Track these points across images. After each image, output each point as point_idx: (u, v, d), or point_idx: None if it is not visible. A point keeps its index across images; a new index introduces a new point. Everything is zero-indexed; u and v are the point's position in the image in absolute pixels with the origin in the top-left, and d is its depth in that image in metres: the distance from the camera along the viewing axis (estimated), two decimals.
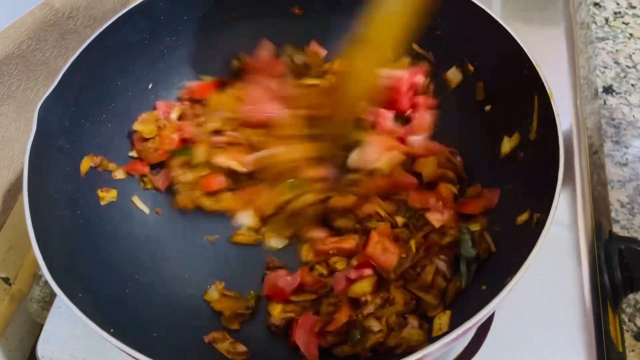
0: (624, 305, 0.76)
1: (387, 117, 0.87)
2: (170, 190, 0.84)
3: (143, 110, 0.87)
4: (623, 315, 0.76)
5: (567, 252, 0.77)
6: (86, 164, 0.77)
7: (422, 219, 0.77)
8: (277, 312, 0.72)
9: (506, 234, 0.69)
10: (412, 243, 0.73)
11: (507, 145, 0.75)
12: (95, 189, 0.78)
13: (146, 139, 0.84)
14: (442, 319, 0.65)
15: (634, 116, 0.94)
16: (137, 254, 0.77)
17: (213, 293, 0.76)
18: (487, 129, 0.80)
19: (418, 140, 0.85)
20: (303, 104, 0.79)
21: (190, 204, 0.81)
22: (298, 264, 0.78)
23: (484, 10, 0.75)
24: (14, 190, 0.89)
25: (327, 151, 0.78)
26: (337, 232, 0.79)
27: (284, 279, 0.74)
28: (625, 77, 0.99)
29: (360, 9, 0.88)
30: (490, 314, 0.54)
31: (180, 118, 0.88)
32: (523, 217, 0.65)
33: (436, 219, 0.75)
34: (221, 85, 0.90)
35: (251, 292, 0.76)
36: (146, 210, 0.83)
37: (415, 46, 0.88)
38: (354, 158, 0.80)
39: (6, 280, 0.88)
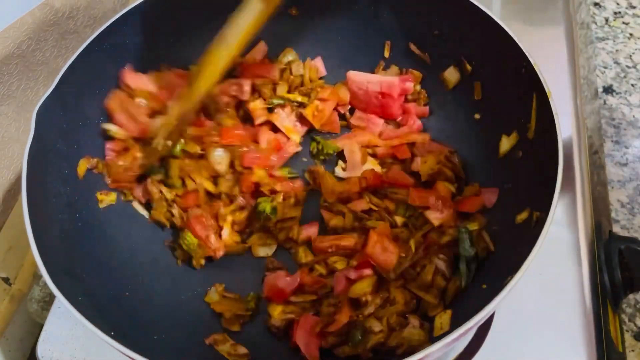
0: (624, 305, 0.76)
1: (377, 124, 0.88)
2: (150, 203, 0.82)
3: None
4: (623, 315, 0.76)
5: (567, 252, 0.77)
6: (83, 166, 0.76)
7: (422, 218, 0.77)
8: (277, 313, 0.72)
9: (506, 233, 0.69)
10: (412, 242, 0.73)
11: (506, 144, 0.75)
12: (94, 192, 0.78)
13: (118, 152, 0.79)
14: (443, 319, 0.65)
15: (634, 116, 0.94)
16: (137, 256, 0.77)
17: (213, 295, 0.76)
18: (486, 128, 0.80)
19: (418, 139, 0.85)
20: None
21: (164, 220, 0.80)
22: (297, 264, 0.78)
23: (480, 9, 0.75)
24: (14, 190, 0.89)
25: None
26: (334, 232, 0.79)
27: (284, 280, 0.74)
28: (625, 77, 0.99)
29: (356, 10, 0.89)
30: (490, 313, 0.54)
31: None
32: (522, 216, 0.65)
33: (435, 217, 0.75)
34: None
35: (251, 293, 0.76)
36: (147, 215, 0.83)
37: (412, 46, 0.88)
38: (339, 171, 0.87)
39: (6, 280, 0.88)
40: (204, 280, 0.78)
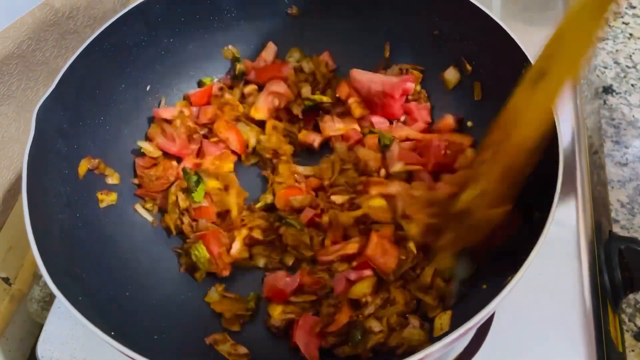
0: (624, 305, 0.76)
1: (380, 124, 0.88)
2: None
3: (141, 112, 0.87)
4: (623, 315, 0.76)
5: (567, 252, 0.77)
6: (84, 166, 0.76)
7: None
8: (277, 313, 0.72)
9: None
10: (412, 245, 0.73)
11: None
12: (94, 192, 0.78)
13: (148, 167, 0.83)
14: (443, 319, 0.65)
15: (634, 116, 0.94)
16: (137, 256, 0.77)
17: (213, 294, 0.76)
18: (485, 128, 0.80)
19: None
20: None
21: (172, 226, 0.80)
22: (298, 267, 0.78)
23: (480, 9, 0.75)
24: (14, 190, 0.89)
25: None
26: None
27: (284, 280, 0.74)
28: (625, 77, 0.99)
29: (356, 10, 0.89)
30: (490, 314, 0.54)
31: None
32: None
33: None
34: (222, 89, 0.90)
35: (251, 293, 0.76)
36: (149, 217, 0.83)
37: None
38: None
39: (6, 280, 0.88)
40: (204, 280, 0.78)
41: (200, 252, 0.76)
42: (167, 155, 0.85)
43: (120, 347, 0.54)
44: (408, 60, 0.90)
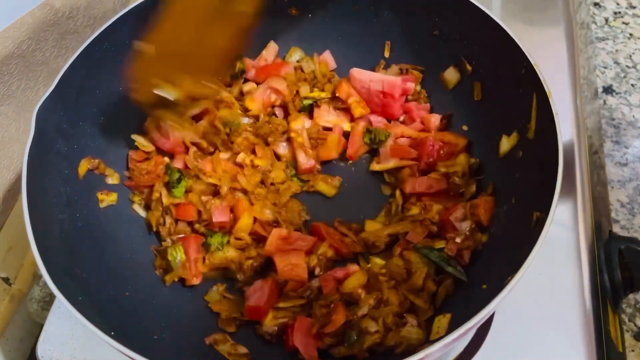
0: (624, 305, 0.76)
1: (378, 123, 0.88)
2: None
3: (141, 112, 0.86)
4: (623, 315, 0.76)
5: (567, 252, 0.77)
6: (84, 166, 0.76)
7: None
8: (268, 319, 0.71)
9: (505, 233, 0.69)
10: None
11: (506, 144, 0.75)
12: (94, 192, 0.78)
13: (140, 161, 0.83)
14: (441, 323, 0.65)
15: (634, 116, 0.94)
16: (137, 256, 0.77)
17: (214, 293, 0.76)
18: (485, 128, 0.80)
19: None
20: None
21: (154, 224, 0.80)
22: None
23: (480, 9, 0.75)
24: (14, 190, 0.89)
25: None
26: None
27: (255, 297, 0.73)
28: (625, 77, 0.99)
29: (356, 10, 0.89)
30: (490, 314, 0.54)
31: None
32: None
33: None
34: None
35: None
36: (145, 216, 0.82)
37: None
38: (373, 164, 0.86)
39: (6, 280, 0.88)
40: (205, 281, 0.78)
41: (178, 254, 0.76)
42: (160, 151, 0.85)
43: (120, 347, 0.54)
44: (408, 60, 0.90)
